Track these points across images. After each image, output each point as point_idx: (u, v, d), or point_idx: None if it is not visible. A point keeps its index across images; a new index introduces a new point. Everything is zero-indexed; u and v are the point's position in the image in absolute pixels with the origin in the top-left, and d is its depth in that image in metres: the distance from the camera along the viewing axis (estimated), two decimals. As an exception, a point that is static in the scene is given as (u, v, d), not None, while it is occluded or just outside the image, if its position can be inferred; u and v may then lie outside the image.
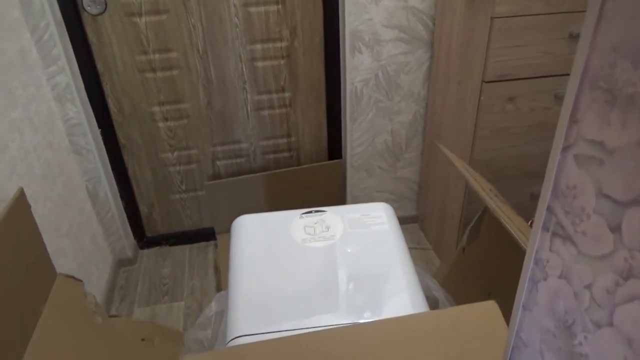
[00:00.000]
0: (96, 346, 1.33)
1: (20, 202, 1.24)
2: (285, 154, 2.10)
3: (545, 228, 0.43)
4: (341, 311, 1.06)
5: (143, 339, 1.46)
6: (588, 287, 0.39)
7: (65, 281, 1.36)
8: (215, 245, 2.14)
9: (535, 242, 0.45)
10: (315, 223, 1.30)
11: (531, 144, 1.64)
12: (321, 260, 1.19)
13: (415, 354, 0.85)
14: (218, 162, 2.06)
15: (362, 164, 2.06)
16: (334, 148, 2.11)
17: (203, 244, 2.20)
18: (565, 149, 0.41)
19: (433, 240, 2.08)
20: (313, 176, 2.09)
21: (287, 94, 1.96)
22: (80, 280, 1.41)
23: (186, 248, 2.18)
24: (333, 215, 1.33)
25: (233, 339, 1.04)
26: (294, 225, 1.30)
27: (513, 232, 1.06)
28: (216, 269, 2.04)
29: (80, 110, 1.72)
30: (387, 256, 1.19)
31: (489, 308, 0.91)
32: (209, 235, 2.18)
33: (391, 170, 2.10)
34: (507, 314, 0.66)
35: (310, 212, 1.34)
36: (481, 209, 1.50)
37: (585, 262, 0.39)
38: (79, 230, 1.74)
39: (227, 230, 2.13)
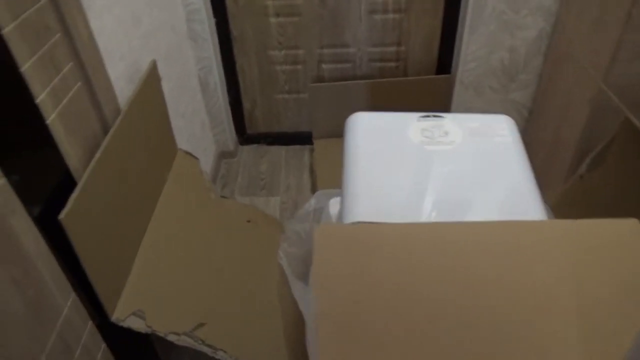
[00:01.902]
0: (210, 218, 1.43)
1: (153, 73, 1.30)
2: (392, 64, 2.04)
3: None
4: (463, 213, 1.05)
5: (249, 221, 1.55)
6: None
7: (184, 156, 1.45)
8: (311, 150, 2.18)
9: None
10: (433, 127, 1.27)
11: (679, 72, 1.46)
12: (439, 163, 1.17)
13: (551, 260, 0.83)
14: (323, 65, 2.04)
15: (472, 81, 1.96)
16: (444, 62, 2.01)
17: (299, 147, 2.24)
18: None
19: (539, 170, 1.98)
20: (418, 89, 2.02)
21: (404, -3, 1.86)
22: (197, 158, 1.50)
23: (282, 149, 2.24)
24: (452, 122, 1.28)
25: (352, 223, 1.07)
26: (411, 127, 1.27)
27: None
28: (312, 171, 2.09)
29: (200, -4, 1.73)
30: (510, 168, 1.15)
31: (631, 225, 0.86)
32: (306, 139, 2.21)
33: (502, 92, 1.99)
34: None
35: (428, 116, 1.30)
36: (609, 136, 1.40)
37: None
38: (192, 116, 1.82)
39: (325, 136, 2.16)
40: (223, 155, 2.18)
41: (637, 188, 1.21)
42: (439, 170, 1.16)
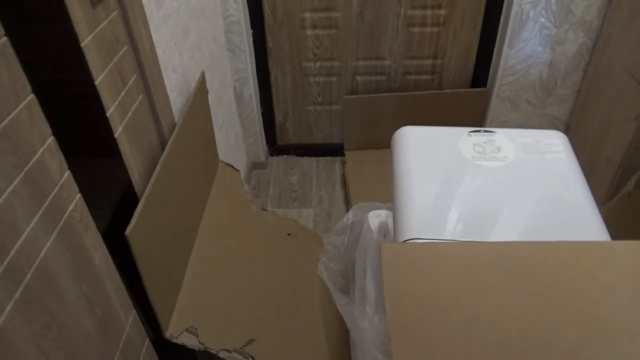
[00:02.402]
0: (252, 231, 1.42)
1: (202, 85, 1.29)
2: (427, 77, 2.03)
3: None
4: (522, 232, 1.03)
5: (289, 234, 1.53)
6: None
7: (226, 168, 1.44)
8: (343, 162, 2.17)
9: None
10: (485, 142, 1.25)
11: None
12: (494, 179, 1.15)
13: (619, 281, 0.81)
14: (358, 78, 2.03)
15: (509, 95, 1.94)
16: (480, 76, 1.99)
17: (329, 158, 2.23)
18: None
19: (573, 185, 1.96)
20: (453, 102, 2.01)
21: (442, 12, 1.85)
22: (238, 171, 1.49)
23: (313, 160, 2.23)
24: (503, 137, 1.26)
25: (406, 240, 1.05)
26: (462, 142, 1.26)
27: None
28: (344, 183, 2.07)
29: (240, 8, 1.73)
30: (567, 185, 1.13)
31: None
32: (337, 151, 2.20)
33: (539, 106, 1.97)
34: None
35: (479, 131, 1.29)
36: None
37: None
38: (228, 127, 1.81)
39: (357, 148, 2.14)
40: (254, 166, 2.18)
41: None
42: (494, 187, 1.14)
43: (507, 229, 1.04)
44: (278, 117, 2.17)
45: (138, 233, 0.86)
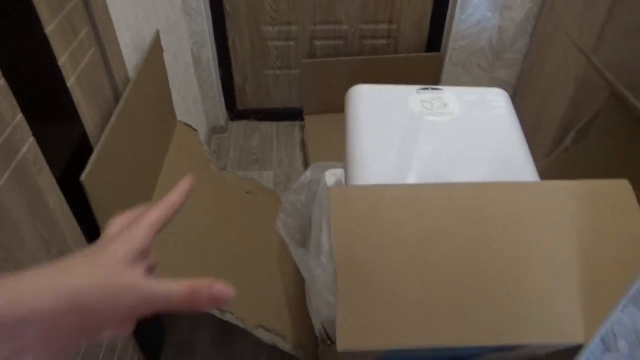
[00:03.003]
0: (212, 189, 1.45)
1: (157, 44, 1.30)
2: (384, 41, 2.07)
3: None
4: (464, 179, 1.10)
5: (248, 192, 1.57)
6: None
7: (184, 128, 1.46)
8: (302, 126, 2.21)
9: None
10: (433, 99, 1.32)
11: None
12: (440, 133, 1.22)
13: (547, 218, 0.90)
14: (316, 42, 2.06)
15: (462, 59, 2.02)
16: (434, 41, 2.06)
17: (289, 122, 2.27)
18: None
19: (520, 146, 2.07)
20: (409, 67, 2.07)
21: (397, -24, 1.89)
22: (196, 130, 1.51)
23: (273, 124, 2.26)
24: (450, 94, 1.33)
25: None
26: (411, 99, 1.32)
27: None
28: (303, 146, 2.12)
29: (195, -31, 1.72)
30: (507, 139, 1.21)
31: (622, 185, 0.93)
32: (296, 115, 2.23)
33: (489, 70, 2.05)
34: None
35: (427, 88, 1.35)
36: (592, 111, 1.47)
37: None
38: (186, 90, 1.82)
39: (316, 112, 2.18)
40: (214, 131, 2.19)
41: (620, 159, 1.29)
42: (440, 139, 1.21)
43: (451, 177, 1.11)
44: (237, 81, 2.18)
45: (93, 180, 0.88)
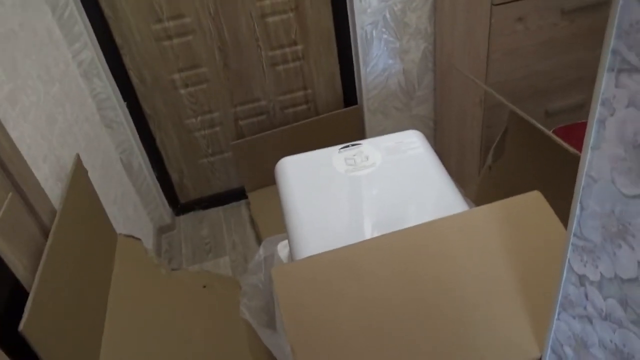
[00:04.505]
0: (164, 294, 1.44)
1: (79, 167, 1.32)
2: (303, 107, 2.17)
3: (610, 69, 0.52)
4: (399, 224, 1.15)
5: (204, 286, 1.56)
6: (654, 105, 0.48)
7: (126, 240, 1.46)
8: (247, 203, 2.24)
9: (602, 84, 0.53)
10: (354, 155, 1.39)
11: (541, 62, 1.71)
12: (368, 185, 1.28)
13: (474, 244, 0.95)
14: (240, 122, 2.13)
15: (378, 106, 2.13)
16: (349, 95, 2.17)
17: (235, 203, 2.29)
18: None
19: (454, 171, 2.18)
20: (332, 125, 2.17)
21: (299, 47, 2.01)
22: (139, 239, 1.51)
23: (220, 209, 2.27)
24: (369, 146, 1.41)
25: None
26: (334, 159, 1.38)
27: (547, 132, 1.15)
28: (253, 223, 2.14)
29: (106, 84, 1.78)
30: (428, 175, 1.28)
31: (534, 197, 1.01)
32: (240, 195, 2.27)
33: (406, 110, 2.18)
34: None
35: (347, 146, 1.42)
36: (502, 128, 1.59)
37: (650, 85, 0.47)
38: (122, 199, 1.82)
39: (257, 187, 2.23)
40: (162, 230, 2.18)
41: (534, 168, 1.39)
42: (369, 191, 1.27)
43: (384, 225, 1.16)
44: (174, 177, 2.20)
45: (34, 326, 0.87)
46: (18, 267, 0.93)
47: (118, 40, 1.81)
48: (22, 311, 0.86)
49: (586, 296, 0.67)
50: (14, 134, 1.06)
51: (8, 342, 0.81)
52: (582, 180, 0.61)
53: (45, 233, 1.07)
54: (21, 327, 0.84)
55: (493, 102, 1.73)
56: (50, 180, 1.21)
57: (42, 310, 0.91)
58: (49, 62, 1.46)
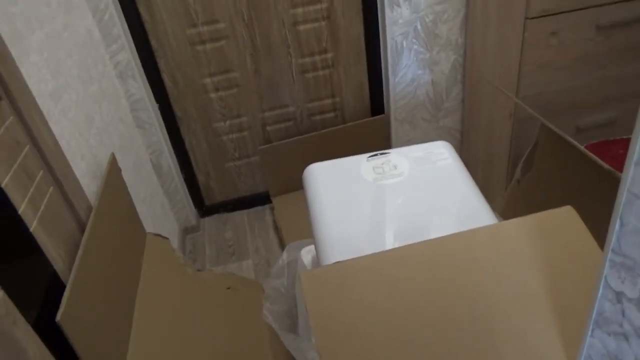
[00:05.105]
0: (190, 293, 1.46)
1: (114, 166, 1.36)
2: (331, 115, 2.19)
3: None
4: (425, 234, 1.15)
5: (228, 288, 1.58)
6: None
7: (154, 239, 1.49)
8: (272, 208, 2.26)
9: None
10: (383, 164, 1.40)
11: (575, 77, 1.69)
12: (395, 194, 1.29)
13: (505, 256, 0.94)
14: (268, 128, 2.16)
15: (406, 116, 2.14)
16: (377, 104, 2.18)
17: (259, 207, 2.31)
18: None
19: (480, 185, 2.15)
20: (359, 133, 2.18)
21: (329, 55, 2.03)
22: (167, 238, 1.54)
23: (244, 213, 2.30)
24: (397, 156, 1.41)
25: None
26: (363, 167, 1.39)
27: (580, 146, 1.14)
28: (276, 228, 2.15)
29: (140, 86, 1.82)
30: (457, 186, 1.28)
31: (567, 211, 1.00)
32: (265, 199, 2.29)
33: (433, 121, 2.18)
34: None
35: (376, 154, 1.43)
36: (532, 141, 1.58)
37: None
38: (151, 199, 1.86)
39: (282, 193, 2.24)
40: (187, 231, 2.21)
41: (564, 183, 1.37)
42: (396, 200, 1.27)
43: (411, 234, 1.16)
44: (201, 179, 2.24)
45: (70, 318, 0.89)
46: (57, 260, 0.96)
47: (153, 44, 1.86)
48: (59, 302, 0.89)
49: (623, 313, 0.66)
50: (55, 130, 1.10)
51: (46, 332, 0.84)
52: (623, 196, 0.60)
53: (82, 228, 1.10)
54: (58, 317, 0.87)
55: (523, 116, 1.72)
56: (86, 177, 1.25)
57: (78, 303, 0.93)
58: (89, 63, 1.51)
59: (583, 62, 1.67)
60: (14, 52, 1.00)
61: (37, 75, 1.12)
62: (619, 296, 0.66)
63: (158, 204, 1.94)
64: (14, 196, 0.86)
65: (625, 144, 1.69)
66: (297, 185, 2.27)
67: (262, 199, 2.30)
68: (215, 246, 2.14)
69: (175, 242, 2.05)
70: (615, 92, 1.76)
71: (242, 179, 2.28)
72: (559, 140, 1.36)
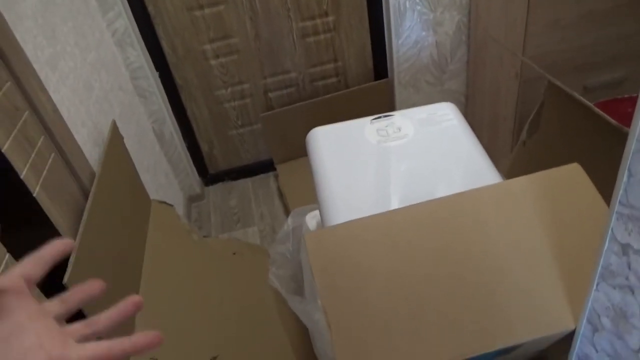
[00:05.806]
0: (196, 259, 1.47)
1: (116, 133, 1.35)
2: (333, 80, 2.16)
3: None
4: (431, 194, 1.15)
5: (234, 253, 1.59)
6: None
7: (159, 206, 1.49)
8: (276, 175, 2.25)
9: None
10: (386, 126, 1.38)
11: (582, 35, 1.65)
12: (400, 156, 1.27)
13: (511, 214, 0.94)
14: (270, 94, 2.14)
15: (409, 80, 2.10)
16: (380, 68, 2.15)
17: (263, 175, 2.31)
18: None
19: (486, 148, 2.13)
20: (362, 98, 2.15)
21: (330, 18, 1.99)
22: (172, 205, 1.54)
23: (248, 181, 2.30)
24: (401, 118, 1.40)
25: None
26: (366, 130, 1.38)
27: (587, 103, 1.12)
28: (281, 194, 2.16)
29: (139, 54, 1.80)
30: (462, 147, 1.26)
31: (574, 169, 0.98)
32: (268, 167, 2.28)
33: (438, 84, 2.14)
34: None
35: (379, 117, 1.41)
36: (539, 102, 1.55)
37: None
38: (155, 168, 1.86)
39: (285, 160, 2.24)
40: (191, 200, 2.22)
41: (571, 143, 1.35)
42: (401, 162, 1.26)
43: (416, 196, 1.15)
44: (204, 147, 2.23)
45: (76, 280, 0.90)
46: (61, 225, 0.96)
47: (151, 10, 1.82)
48: (66, 266, 0.90)
49: (629, 266, 0.66)
50: (54, 98, 1.08)
51: (54, 295, 0.85)
52: (632, 145, 0.59)
53: (85, 194, 1.10)
54: (65, 279, 0.88)
55: (529, 76, 1.68)
56: (88, 144, 1.24)
57: (84, 266, 0.94)
58: (85, 30, 1.48)
59: (590, 20, 1.62)
60: (7, 17, 0.98)
61: (32, 41, 1.10)
62: (625, 248, 0.66)
63: (162, 173, 1.94)
64: (15, 161, 0.85)
65: (633, 102, 1.65)
66: (300, 152, 2.25)
67: (266, 167, 2.30)
68: (220, 214, 2.14)
69: (180, 211, 2.06)
70: (623, 49, 1.72)
71: (246, 146, 2.27)
72: (566, 100, 1.33)
